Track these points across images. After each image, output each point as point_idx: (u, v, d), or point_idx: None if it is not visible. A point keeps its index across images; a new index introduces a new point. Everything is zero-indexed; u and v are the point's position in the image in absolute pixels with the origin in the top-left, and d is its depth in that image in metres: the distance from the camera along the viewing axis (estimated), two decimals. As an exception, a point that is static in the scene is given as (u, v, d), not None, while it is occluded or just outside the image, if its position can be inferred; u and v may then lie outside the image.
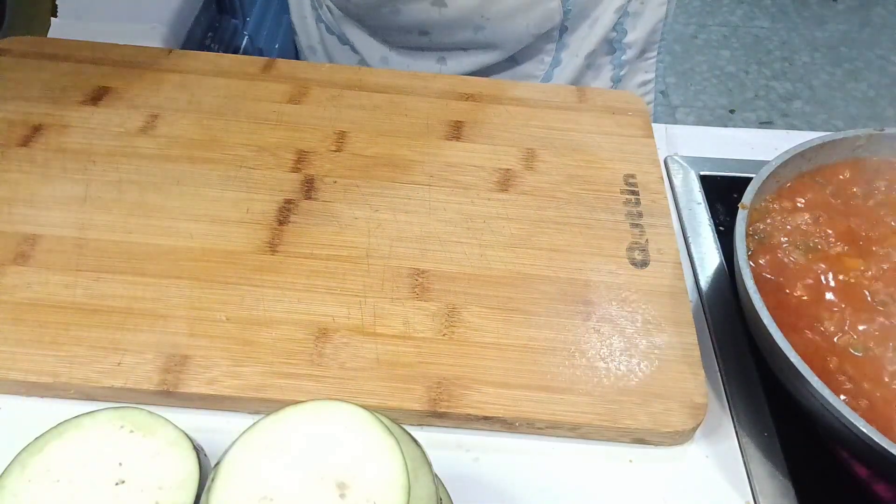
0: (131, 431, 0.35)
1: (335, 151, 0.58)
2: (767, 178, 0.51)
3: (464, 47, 0.73)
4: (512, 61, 0.75)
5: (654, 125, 0.64)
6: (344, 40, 0.79)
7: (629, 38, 0.75)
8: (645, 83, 0.80)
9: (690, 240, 0.57)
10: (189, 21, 0.81)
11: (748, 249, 0.49)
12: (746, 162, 0.63)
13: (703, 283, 0.55)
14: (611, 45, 0.75)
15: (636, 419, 0.44)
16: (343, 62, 0.82)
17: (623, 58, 0.76)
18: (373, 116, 0.61)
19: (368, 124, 0.61)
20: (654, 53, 0.78)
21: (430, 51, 0.75)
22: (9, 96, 0.60)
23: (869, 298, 0.48)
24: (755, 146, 0.66)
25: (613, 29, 0.74)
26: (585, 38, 0.74)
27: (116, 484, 0.33)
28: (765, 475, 0.44)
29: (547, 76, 0.76)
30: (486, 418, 0.44)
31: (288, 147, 0.58)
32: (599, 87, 0.77)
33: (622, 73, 0.78)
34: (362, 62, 0.79)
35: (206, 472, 0.35)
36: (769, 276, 0.49)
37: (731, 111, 2.10)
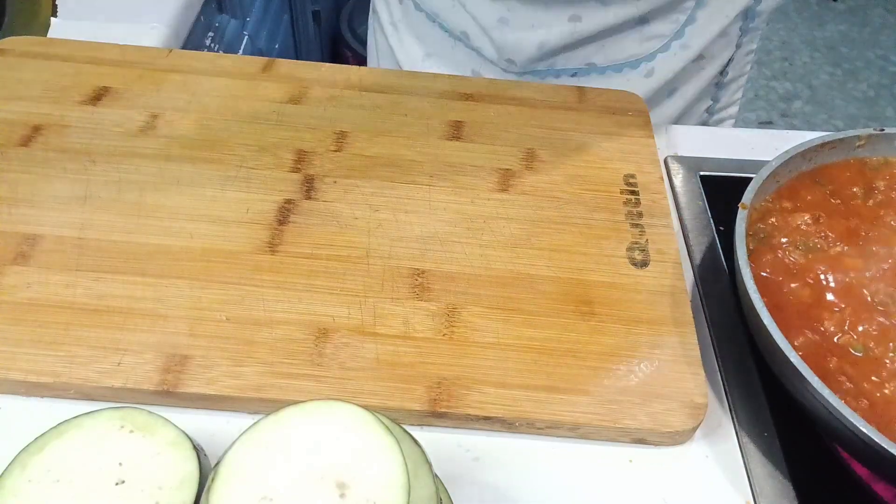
0: (131, 431, 0.35)
1: (335, 151, 0.58)
2: (767, 178, 0.51)
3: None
4: (642, 21, 0.71)
5: (654, 125, 0.64)
6: (433, 18, 0.74)
7: (763, 6, 0.73)
8: (750, 52, 0.79)
9: (690, 240, 0.57)
10: (189, 21, 0.81)
11: (748, 249, 0.49)
12: (746, 162, 0.63)
13: (703, 283, 0.55)
14: (746, 12, 0.73)
15: (636, 419, 0.44)
16: (428, 38, 0.77)
17: (751, 25, 0.74)
18: (373, 116, 0.61)
19: (368, 124, 0.61)
20: (764, 24, 0.77)
21: (559, 5, 0.69)
22: (9, 96, 0.60)
23: (869, 298, 0.48)
24: (755, 146, 0.66)
25: None
26: (728, 1, 0.71)
27: (116, 484, 0.33)
28: (765, 475, 0.44)
29: (678, 34, 0.72)
30: (486, 418, 0.44)
31: (288, 147, 0.58)
32: (674, 66, 0.74)
33: (744, 39, 0.76)
34: (455, 37, 0.74)
35: (206, 472, 0.35)
36: (769, 276, 0.49)
37: (731, 111, 2.10)
